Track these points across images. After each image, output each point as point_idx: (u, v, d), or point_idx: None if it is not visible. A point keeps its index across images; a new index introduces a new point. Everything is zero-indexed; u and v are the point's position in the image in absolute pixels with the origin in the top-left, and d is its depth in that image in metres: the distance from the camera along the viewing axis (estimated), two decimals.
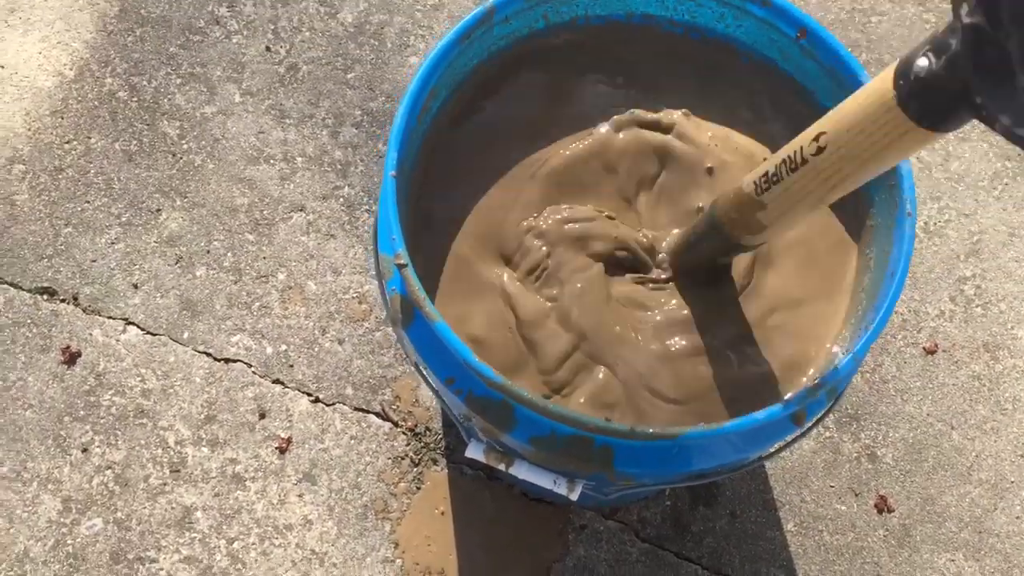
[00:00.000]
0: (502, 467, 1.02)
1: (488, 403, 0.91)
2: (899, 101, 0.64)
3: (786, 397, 0.85)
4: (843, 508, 1.44)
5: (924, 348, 1.55)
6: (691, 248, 0.99)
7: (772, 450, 1.01)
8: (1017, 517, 1.44)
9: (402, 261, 0.88)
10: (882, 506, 1.45)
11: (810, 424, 0.97)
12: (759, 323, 1.00)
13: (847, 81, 0.98)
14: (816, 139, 0.74)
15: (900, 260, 0.90)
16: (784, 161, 0.78)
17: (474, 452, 1.03)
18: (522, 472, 1.01)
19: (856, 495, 1.45)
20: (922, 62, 0.61)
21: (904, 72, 0.63)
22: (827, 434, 1.48)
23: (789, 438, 0.97)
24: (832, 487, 1.45)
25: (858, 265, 1.01)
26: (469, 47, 1.02)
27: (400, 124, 0.93)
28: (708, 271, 1.01)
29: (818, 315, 1.00)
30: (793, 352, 0.99)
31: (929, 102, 0.62)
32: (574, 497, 1.03)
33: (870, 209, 1.01)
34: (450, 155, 1.07)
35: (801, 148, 0.76)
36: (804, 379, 0.98)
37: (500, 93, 1.10)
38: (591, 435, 0.89)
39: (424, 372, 1.08)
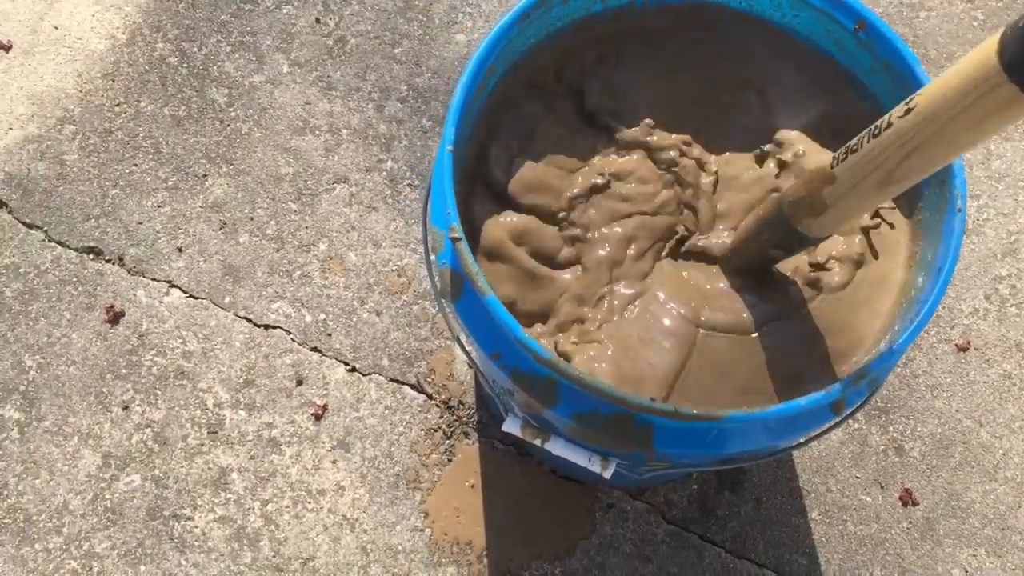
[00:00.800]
0: (538, 442, 1.04)
1: (534, 379, 0.93)
2: (1005, 67, 0.61)
3: (829, 386, 0.87)
4: (868, 499, 1.46)
5: (957, 345, 1.55)
6: (752, 237, 0.99)
7: (808, 437, 1.03)
8: None
9: (456, 235, 0.90)
10: (907, 499, 1.46)
11: (848, 412, 0.99)
12: (805, 310, 1.01)
13: (903, 75, 0.99)
14: (907, 103, 0.72)
15: (948, 256, 0.91)
16: (869, 130, 0.77)
17: (511, 427, 1.05)
18: (558, 448, 1.03)
19: (882, 487, 1.47)
20: None
21: (1013, 38, 0.60)
22: (855, 426, 1.50)
23: (826, 426, 0.99)
24: (858, 478, 1.47)
25: (906, 259, 1.02)
26: (528, 26, 1.03)
27: (459, 99, 0.95)
28: (760, 271, 1.02)
29: (863, 307, 1.01)
30: (837, 342, 1.00)
31: None
32: (607, 475, 1.04)
33: (919, 203, 1.01)
34: (504, 132, 1.08)
35: (890, 115, 0.74)
36: (845, 369, 0.99)
37: (557, 76, 1.10)
38: (634, 413, 0.90)
39: (468, 346, 1.10)
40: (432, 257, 1.02)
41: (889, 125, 0.74)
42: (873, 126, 0.77)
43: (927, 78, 0.98)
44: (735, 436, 0.94)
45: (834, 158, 0.83)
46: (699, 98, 1.11)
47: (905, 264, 1.02)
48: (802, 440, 1.02)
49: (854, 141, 0.80)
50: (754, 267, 1.02)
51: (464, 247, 0.90)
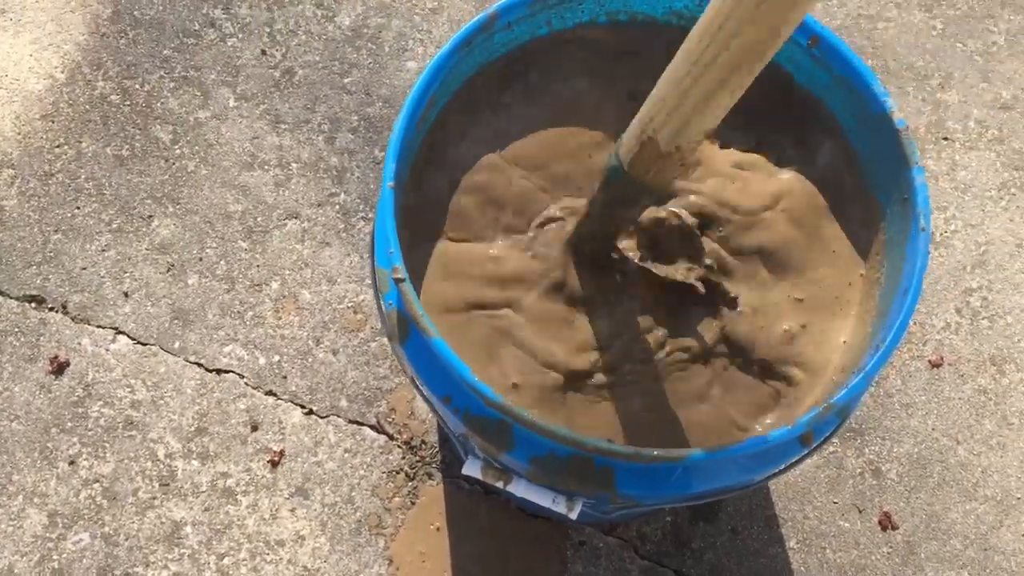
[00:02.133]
0: (500, 485, 0.99)
1: (486, 422, 0.88)
2: None
3: (796, 419, 0.82)
4: (847, 525, 1.42)
5: (930, 361, 1.52)
6: (594, 215, 0.96)
7: (779, 470, 0.98)
8: (1023, 535, 1.42)
9: (400, 275, 0.85)
10: (886, 523, 1.42)
11: (817, 444, 0.95)
12: (761, 340, 0.97)
13: (860, 91, 0.96)
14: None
15: (913, 276, 0.87)
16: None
17: (471, 469, 1.00)
18: (520, 490, 0.98)
19: (860, 511, 1.42)
20: None
21: None
22: (831, 449, 1.46)
23: (796, 459, 0.95)
24: (835, 503, 1.43)
25: (866, 281, 0.98)
26: (469, 54, 0.99)
27: (399, 134, 0.90)
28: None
29: (823, 332, 0.97)
30: (797, 371, 0.96)
31: None
32: (573, 516, 1.00)
33: (881, 223, 0.98)
34: (446, 166, 1.04)
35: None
36: (810, 398, 0.95)
37: (500, 101, 1.06)
38: (591, 455, 0.86)
39: (421, 388, 1.05)
40: (380, 297, 0.98)
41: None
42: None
43: (884, 93, 0.95)
44: (702, 474, 0.89)
45: (640, 136, 0.83)
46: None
47: (868, 285, 0.98)
48: (773, 473, 0.98)
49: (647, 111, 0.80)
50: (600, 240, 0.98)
51: (408, 288, 0.85)
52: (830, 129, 1.03)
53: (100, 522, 1.37)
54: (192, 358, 1.47)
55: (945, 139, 1.68)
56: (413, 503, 1.40)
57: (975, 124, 1.69)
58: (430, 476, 1.42)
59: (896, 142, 0.93)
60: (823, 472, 1.44)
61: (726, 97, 0.76)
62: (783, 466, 0.94)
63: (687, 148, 0.82)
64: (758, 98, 1.05)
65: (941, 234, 1.61)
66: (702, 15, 0.73)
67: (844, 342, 0.96)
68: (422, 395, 1.06)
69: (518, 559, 1.38)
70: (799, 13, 0.68)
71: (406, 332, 0.93)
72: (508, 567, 1.37)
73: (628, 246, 0.99)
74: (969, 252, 1.59)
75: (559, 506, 0.99)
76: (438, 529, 1.39)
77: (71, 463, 1.40)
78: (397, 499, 1.40)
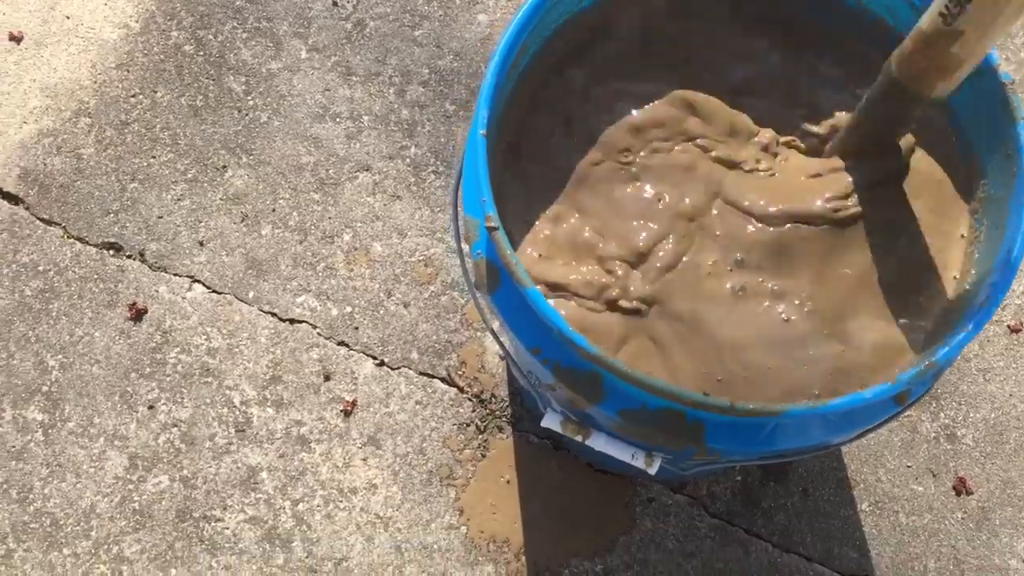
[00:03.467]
0: (579, 439, 0.99)
1: (578, 374, 0.88)
2: None
3: (897, 376, 0.81)
4: (920, 489, 1.40)
5: (1009, 326, 1.49)
6: (866, 121, 0.95)
7: (863, 431, 0.97)
8: None
9: (493, 224, 0.85)
10: (961, 488, 1.40)
11: (909, 403, 0.93)
12: (869, 290, 0.95)
13: None
14: None
15: (1018, 236, 0.85)
16: None
17: (551, 422, 1.00)
18: (599, 444, 0.98)
19: (934, 476, 1.41)
20: None
21: None
22: (905, 413, 1.43)
23: (888, 417, 0.93)
24: (909, 467, 1.41)
25: (968, 238, 0.96)
26: (560, 2, 0.97)
27: (491, 81, 0.89)
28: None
29: (922, 289, 0.95)
30: (894, 327, 0.94)
31: None
32: (652, 471, 0.99)
33: (981, 181, 0.95)
34: (540, 114, 1.03)
35: None
36: (905, 356, 0.94)
37: (588, 54, 1.05)
38: (684, 408, 0.85)
39: (504, 339, 1.05)
40: (465, 247, 0.97)
41: None
42: None
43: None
44: (790, 432, 0.88)
45: (944, 15, 0.78)
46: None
47: (969, 243, 0.96)
48: (862, 432, 0.97)
49: None
50: (870, 151, 0.98)
51: (501, 236, 0.84)
52: None
53: (179, 465, 1.40)
54: (266, 307, 1.49)
55: None
56: (483, 455, 1.41)
57: None
58: (500, 429, 1.42)
59: (1000, 97, 0.91)
60: (897, 436, 1.42)
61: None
62: (874, 424, 0.93)
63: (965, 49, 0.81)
64: (860, 53, 1.03)
65: None
66: None
67: (944, 299, 0.94)
68: (504, 348, 1.06)
69: (587, 514, 1.38)
70: None
71: (496, 282, 0.92)
72: (577, 521, 1.38)
73: None
74: None
75: (638, 461, 0.98)
76: (508, 482, 1.40)
77: (150, 407, 1.43)
78: (467, 451, 1.41)
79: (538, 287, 0.87)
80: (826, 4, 1.05)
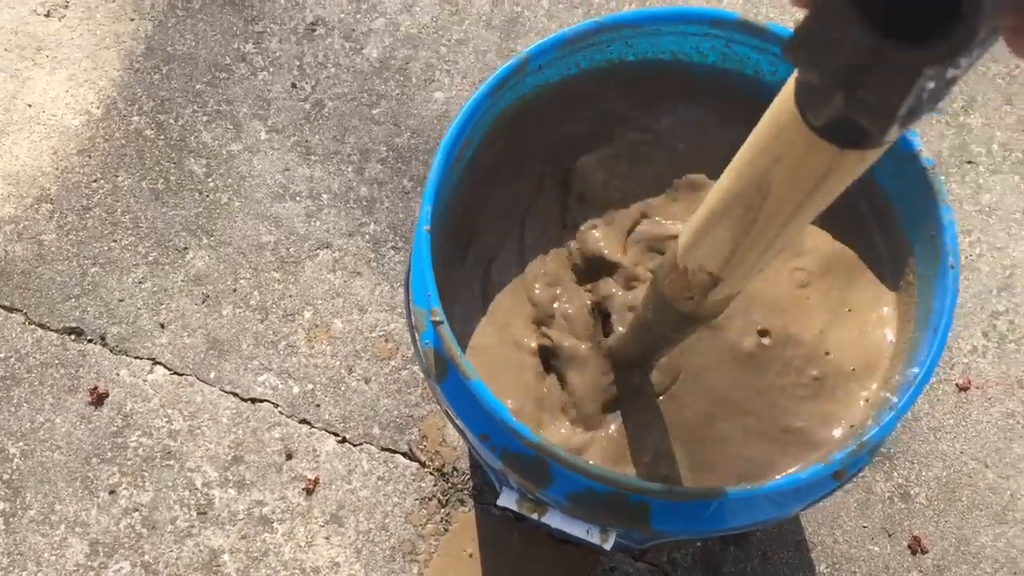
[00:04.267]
0: (535, 516, 1.01)
1: (524, 460, 0.90)
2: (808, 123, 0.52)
3: (830, 457, 0.84)
4: (876, 549, 1.42)
5: (957, 385, 1.53)
6: (640, 330, 0.93)
7: (808, 504, 1.00)
8: None
9: (437, 318, 0.88)
10: (916, 547, 1.42)
11: (848, 477, 0.96)
12: (792, 374, 0.98)
13: None
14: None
15: (943, 315, 0.89)
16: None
17: (507, 501, 1.02)
18: (555, 521, 1.00)
19: (889, 535, 1.43)
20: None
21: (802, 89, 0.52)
22: (859, 474, 1.46)
23: (827, 492, 0.96)
24: (865, 527, 1.43)
25: (898, 318, 1.00)
26: (501, 97, 1.01)
27: (435, 178, 0.93)
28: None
29: (854, 369, 0.99)
30: (827, 406, 0.97)
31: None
32: (607, 546, 1.01)
33: (909, 259, 0.99)
34: (480, 205, 1.06)
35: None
36: (838, 432, 0.97)
37: (530, 143, 1.09)
38: (627, 494, 0.88)
39: (458, 425, 1.07)
40: (416, 335, 1.00)
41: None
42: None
43: (912, 131, 0.96)
44: (735, 510, 0.91)
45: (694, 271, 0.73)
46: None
47: (900, 323, 0.99)
48: (804, 506, 0.99)
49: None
50: (639, 359, 0.98)
51: (446, 330, 0.87)
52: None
53: (140, 551, 1.40)
54: (227, 388, 1.50)
55: (969, 163, 1.68)
56: (446, 529, 1.42)
57: (999, 147, 1.70)
58: (462, 502, 1.44)
59: (924, 179, 0.95)
60: (852, 497, 1.45)
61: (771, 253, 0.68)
62: (815, 499, 0.96)
63: (729, 286, 0.74)
64: None
65: (967, 257, 1.61)
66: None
67: (877, 378, 0.98)
68: (459, 430, 1.08)
69: None
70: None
71: (444, 372, 0.95)
72: None
73: None
74: (995, 275, 1.60)
75: (593, 537, 1.00)
76: (471, 555, 1.41)
77: (111, 492, 1.43)
78: (430, 525, 1.42)
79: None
80: None
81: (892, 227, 1.03)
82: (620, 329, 0.99)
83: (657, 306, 0.83)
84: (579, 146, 1.09)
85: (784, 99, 0.53)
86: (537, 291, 1.03)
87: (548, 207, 1.08)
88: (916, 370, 0.88)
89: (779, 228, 0.61)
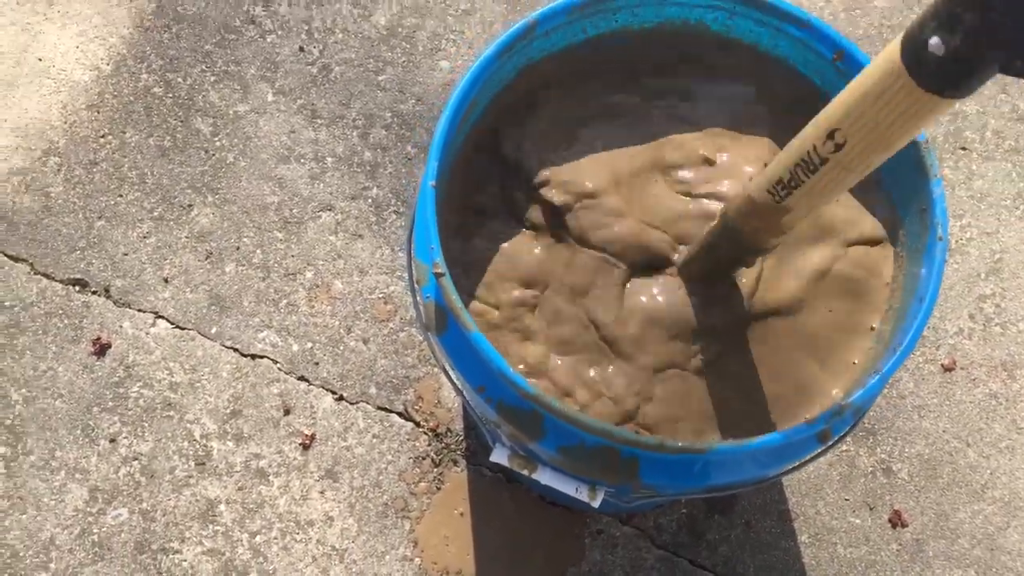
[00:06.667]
0: (526, 473, 1.04)
1: (519, 412, 0.93)
2: (917, 80, 0.63)
3: (813, 416, 0.87)
4: (857, 521, 1.46)
5: (942, 365, 1.56)
6: (707, 256, 0.99)
7: (796, 465, 1.03)
8: None
9: (440, 270, 0.90)
10: (896, 520, 1.46)
11: (833, 441, 0.99)
12: (782, 338, 1.01)
13: None
14: (831, 136, 0.73)
15: (930, 284, 0.91)
16: (800, 164, 0.78)
17: (499, 456, 1.05)
18: (545, 478, 1.03)
19: (871, 509, 1.47)
20: (935, 41, 0.60)
21: (915, 52, 0.62)
22: (843, 448, 1.50)
23: (812, 454, 0.99)
24: (847, 500, 1.47)
25: (888, 286, 1.03)
26: (508, 60, 1.03)
27: (441, 135, 0.95)
28: (720, 282, 1.02)
29: (843, 334, 1.02)
30: (816, 370, 1.00)
31: (950, 74, 0.61)
32: (596, 504, 1.04)
33: (900, 231, 1.02)
34: (484, 165, 1.08)
35: (815, 147, 0.75)
36: (827, 398, 1.00)
37: (537, 105, 1.11)
38: (618, 446, 0.91)
39: (453, 378, 1.10)
40: (416, 289, 1.03)
41: (824, 160, 0.75)
42: (801, 160, 0.77)
43: None
44: (722, 467, 0.94)
45: (772, 193, 0.83)
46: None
47: (890, 291, 1.02)
48: (790, 468, 1.03)
49: (786, 176, 0.80)
50: (711, 277, 1.02)
51: (448, 282, 0.90)
52: None
53: (138, 498, 1.43)
54: (228, 343, 1.53)
55: (963, 149, 1.71)
56: (439, 488, 1.45)
57: (992, 135, 1.72)
58: (455, 463, 1.47)
59: (916, 154, 0.98)
60: (836, 470, 1.48)
61: (829, 195, 0.80)
62: (800, 461, 0.99)
63: (795, 218, 0.85)
64: (786, 108, 1.10)
65: (957, 241, 1.65)
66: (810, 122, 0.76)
67: (865, 344, 1.00)
68: (455, 385, 1.11)
69: (538, 545, 1.43)
70: (893, 147, 0.71)
71: (444, 324, 0.97)
72: (528, 552, 1.42)
73: None
74: (984, 260, 1.63)
75: (582, 494, 1.03)
76: (462, 514, 1.44)
77: (112, 441, 1.46)
78: (423, 484, 1.45)
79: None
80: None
81: (885, 203, 1.06)
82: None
83: (726, 240, 0.93)
84: (578, 111, 1.11)
85: (888, 58, 0.64)
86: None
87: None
88: (901, 337, 0.91)
89: (862, 166, 0.74)
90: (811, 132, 0.76)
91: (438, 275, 0.91)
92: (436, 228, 0.92)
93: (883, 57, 0.65)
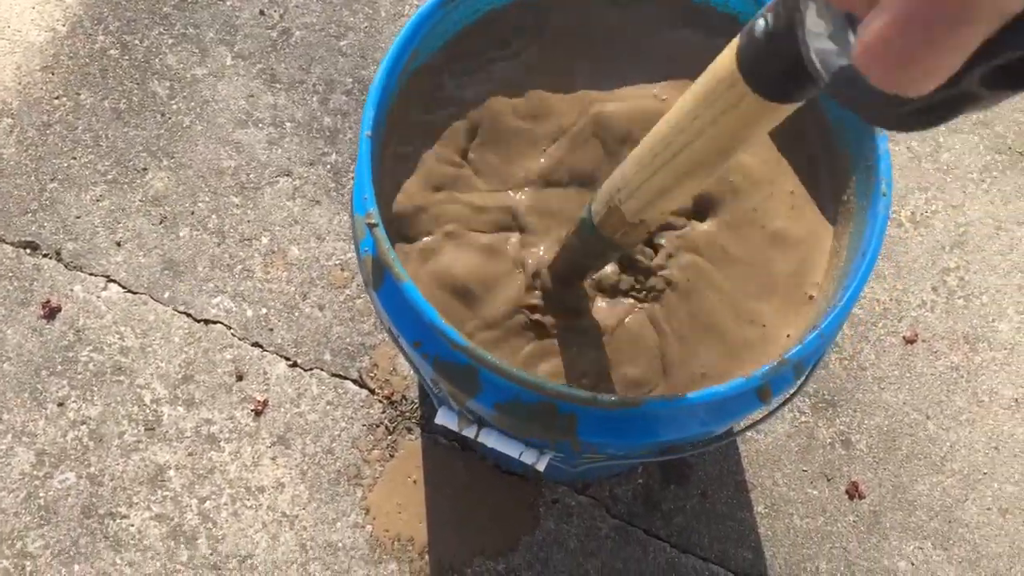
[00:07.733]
0: (471, 434, 1.02)
1: (455, 367, 0.91)
2: (742, 70, 0.55)
3: (751, 372, 0.85)
4: (815, 492, 1.45)
5: (904, 337, 1.55)
6: (569, 252, 0.96)
7: (742, 426, 1.02)
8: (988, 508, 1.44)
9: (373, 221, 0.88)
10: (853, 492, 1.45)
11: (779, 403, 0.98)
12: (728, 300, 1.00)
13: None
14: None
15: (872, 240, 0.90)
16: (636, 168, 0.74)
17: (444, 419, 1.04)
18: (491, 440, 1.02)
19: (828, 480, 1.46)
20: (760, 23, 0.53)
21: (747, 43, 0.54)
22: (802, 419, 1.49)
23: (758, 414, 0.98)
24: (805, 471, 1.46)
25: (833, 247, 1.01)
26: (454, 10, 1.01)
27: (379, 83, 0.93)
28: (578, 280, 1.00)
29: (789, 295, 1.00)
30: (761, 331, 0.99)
31: (765, 67, 0.53)
32: (541, 468, 1.03)
33: (846, 191, 1.00)
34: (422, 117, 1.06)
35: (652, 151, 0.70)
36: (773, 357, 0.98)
37: (481, 59, 1.09)
38: (554, 401, 0.89)
39: (395, 334, 1.08)
40: (357, 247, 1.01)
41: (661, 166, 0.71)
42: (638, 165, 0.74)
43: None
44: (661, 423, 0.92)
45: (609, 206, 0.80)
46: None
47: (833, 252, 1.01)
48: (741, 427, 1.01)
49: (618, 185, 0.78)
50: (571, 278, 0.99)
51: (380, 232, 0.88)
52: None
53: (86, 462, 1.40)
54: (181, 308, 1.50)
55: None
56: (392, 456, 1.44)
57: None
58: (409, 431, 1.45)
59: None
60: (794, 441, 1.47)
61: (684, 191, 0.74)
62: (747, 421, 0.97)
63: (651, 221, 0.81)
64: None
65: (921, 214, 1.63)
66: (662, 119, 0.70)
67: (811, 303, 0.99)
68: (396, 342, 1.09)
69: (492, 514, 1.41)
70: (746, 139, 0.64)
71: (380, 278, 0.95)
72: (481, 521, 1.41)
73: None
74: (948, 232, 1.62)
75: (527, 457, 1.02)
76: (415, 482, 1.43)
77: (60, 405, 1.43)
78: (376, 451, 1.44)
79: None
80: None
81: (835, 164, 1.04)
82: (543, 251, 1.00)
83: (584, 235, 0.89)
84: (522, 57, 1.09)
85: (724, 63, 0.58)
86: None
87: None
88: (841, 293, 0.90)
89: (705, 173, 0.69)
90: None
91: (371, 225, 0.89)
92: (370, 178, 0.90)
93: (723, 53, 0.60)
